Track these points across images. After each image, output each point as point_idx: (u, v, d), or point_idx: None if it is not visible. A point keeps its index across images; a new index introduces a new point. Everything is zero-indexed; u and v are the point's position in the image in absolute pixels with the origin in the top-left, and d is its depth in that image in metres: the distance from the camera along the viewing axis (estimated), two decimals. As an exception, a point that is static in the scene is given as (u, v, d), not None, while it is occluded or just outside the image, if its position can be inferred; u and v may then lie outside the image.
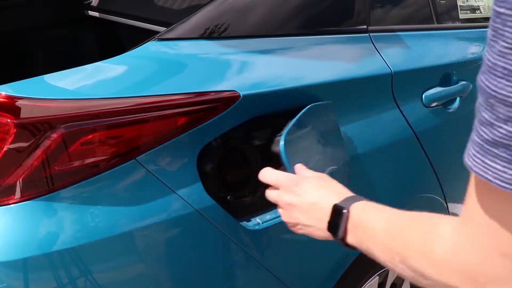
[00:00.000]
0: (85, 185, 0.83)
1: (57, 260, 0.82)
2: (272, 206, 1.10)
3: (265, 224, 1.05)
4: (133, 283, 0.90)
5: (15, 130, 0.79)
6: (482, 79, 0.39)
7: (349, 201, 0.70)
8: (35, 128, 0.80)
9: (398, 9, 1.49)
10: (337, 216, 0.69)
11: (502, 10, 0.36)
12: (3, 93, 0.79)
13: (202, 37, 1.05)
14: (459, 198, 1.80)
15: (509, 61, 0.36)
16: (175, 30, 1.05)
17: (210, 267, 0.99)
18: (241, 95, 0.96)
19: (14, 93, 0.80)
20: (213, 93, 0.94)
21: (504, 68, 0.36)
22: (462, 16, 1.74)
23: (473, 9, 1.81)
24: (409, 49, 1.36)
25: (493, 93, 0.37)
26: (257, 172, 1.09)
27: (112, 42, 2.31)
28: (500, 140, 0.37)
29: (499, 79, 0.37)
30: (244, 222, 1.03)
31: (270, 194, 0.85)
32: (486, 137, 0.38)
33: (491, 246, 0.43)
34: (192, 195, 0.93)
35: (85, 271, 0.84)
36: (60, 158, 0.81)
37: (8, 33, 2.13)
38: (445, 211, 1.59)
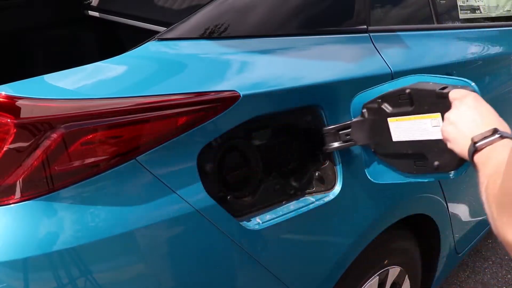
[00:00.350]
0: (85, 185, 0.83)
1: (57, 260, 0.82)
2: (272, 206, 1.11)
3: (265, 224, 1.05)
4: (133, 283, 0.90)
5: (15, 130, 0.79)
6: None
7: (505, 133, 0.74)
8: (35, 128, 0.80)
9: (398, 9, 1.49)
10: (488, 136, 0.74)
11: None
12: (3, 93, 0.79)
13: (202, 37, 1.05)
14: (459, 198, 1.81)
15: None
16: (175, 30, 1.05)
17: (210, 267, 0.99)
18: (241, 95, 0.96)
19: (14, 93, 0.80)
20: (213, 93, 0.94)
21: None
22: (462, 16, 1.74)
23: (473, 9, 1.81)
24: (409, 49, 1.36)
25: None
26: (257, 172, 1.09)
27: (112, 42, 2.31)
28: None
29: None
30: (244, 222, 1.03)
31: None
32: None
33: None
34: (192, 195, 0.93)
35: (85, 271, 0.84)
36: (60, 158, 0.81)
37: (8, 33, 2.13)
38: (445, 211, 1.60)
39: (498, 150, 0.73)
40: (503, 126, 0.77)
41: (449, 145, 0.84)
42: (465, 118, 0.81)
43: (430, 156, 0.93)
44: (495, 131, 0.75)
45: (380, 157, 1.05)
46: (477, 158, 0.76)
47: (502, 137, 0.74)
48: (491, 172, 0.71)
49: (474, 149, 0.76)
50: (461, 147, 0.80)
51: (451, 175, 0.92)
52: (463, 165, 0.89)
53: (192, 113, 0.91)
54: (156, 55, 1.00)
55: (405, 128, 0.96)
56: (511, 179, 0.62)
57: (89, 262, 0.84)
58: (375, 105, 1.02)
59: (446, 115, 0.85)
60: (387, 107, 1.00)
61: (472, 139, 0.77)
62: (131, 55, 0.98)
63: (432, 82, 0.92)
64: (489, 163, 0.73)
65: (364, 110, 1.05)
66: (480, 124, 0.78)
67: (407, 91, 0.94)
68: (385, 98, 1.00)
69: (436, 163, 0.92)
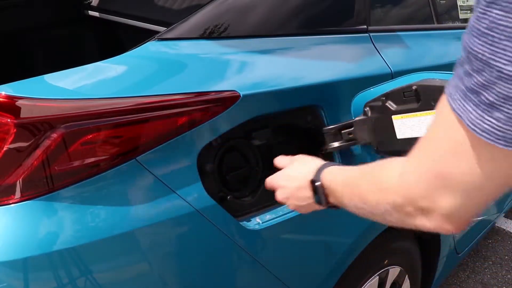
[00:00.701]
0: (85, 185, 0.83)
1: (57, 260, 0.82)
2: (272, 206, 1.10)
3: (265, 224, 1.05)
4: (133, 283, 0.90)
5: (15, 130, 0.79)
6: (464, 37, 0.47)
7: (319, 172, 0.81)
8: (35, 128, 0.80)
9: (398, 9, 1.49)
10: (316, 191, 0.81)
11: None
12: (3, 93, 0.79)
13: (202, 37, 1.05)
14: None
15: (482, 24, 0.44)
16: (175, 30, 1.05)
17: (210, 267, 0.99)
18: (241, 95, 0.96)
19: (14, 93, 0.80)
20: (213, 93, 0.94)
21: (478, 30, 0.44)
22: (462, 16, 1.74)
23: (473, 9, 1.80)
24: (409, 49, 1.36)
25: (469, 49, 0.46)
26: (257, 172, 1.09)
27: (112, 42, 2.31)
28: (473, 87, 0.46)
29: (474, 38, 0.45)
30: (244, 222, 1.03)
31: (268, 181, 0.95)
32: (465, 84, 0.47)
33: (427, 168, 0.54)
34: (192, 195, 0.93)
35: (85, 271, 0.84)
36: (60, 158, 0.81)
37: (8, 33, 2.13)
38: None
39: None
40: None
41: None
42: None
43: None
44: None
45: (383, 155, 1.06)
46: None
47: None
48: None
49: None
50: None
51: None
52: None
53: (192, 113, 0.91)
54: (156, 55, 1.00)
55: (410, 125, 0.96)
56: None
57: (89, 262, 0.84)
58: (379, 103, 1.02)
59: None
60: (391, 105, 1.00)
61: None
62: (131, 55, 0.98)
63: (438, 78, 0.93)
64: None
65: (367, 109, 1.05)
66: None
67: (414, 87, 0.94)
68: (389, 95, 1.00)
69: None
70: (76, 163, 0.82)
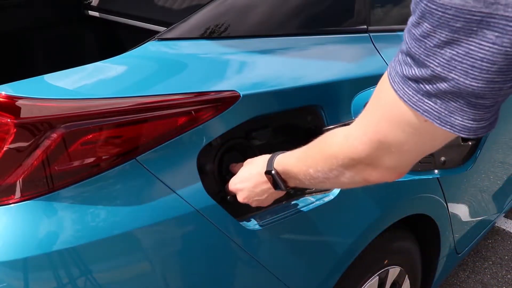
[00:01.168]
0: (85, 185, 0.83)
1: (57, 260, 0.82)
2: (272, 206, 1.10)
3: (265, 224, 1.05)
4: (133, 283, 0.90)
5: (15, 130, 0.79)
6: (405, 33, 0.57)
7: (270, 162, 0.90)
8: (35, 128, 0.80)
9: (398, 9, 1.49)
10: (274, 179, 0.89)
11: None
12: (3, 93, 0.79)
13: (202, 37, 1.05)
14: (459, 198, 1.81)
15: (417, 31, 0.53)
16: (175, 30, 1.05)
17: (210, 267, 0.99)
18: (241, 95, 0.96)
19: (14, 93, 0.80)
20: (213, 93, 0.94)
21: (414, 35, 0.54)
22: (462, 16, 1.73)
23: (473, 9, 1.80)
24: (409, 49, 1.36)
25: (409, 48, 0.56)
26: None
27: (112, 42, 2.31)
28: (412, 77, 0.56)
29: (412, 40, 0.55)
30: (244, 222, 1.03)
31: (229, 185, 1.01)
32: (405, 73, 0.57)
33: (372, 133, 0.65)
34: (192, 195, 0.93)
35: (85, 271, 0.84)
36: (60, 158, 0.81)
37: (8, 33, 2.13)
38: (445, 211, 1.59)
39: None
40: None
41: None
42: None
43: (437, 152, 0.93)
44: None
45: None
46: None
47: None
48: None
49: None
50: None
51: (457, 170, 0.93)
52: (470, 159, 0.90)
53: (192, 113, 0.91)
54: (156, 55, 1.00)
55: None
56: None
57: (89, 262, 0.84)
58: None
59: None
60: None
61: None
62: (131, 55, 0.98)
63: None
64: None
65: None
66: None
67: None
68: None
69: (442, 158, 0.92)
70: (76, 163, 0.82)
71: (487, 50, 0.48)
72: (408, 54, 0.56)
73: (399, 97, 0.58)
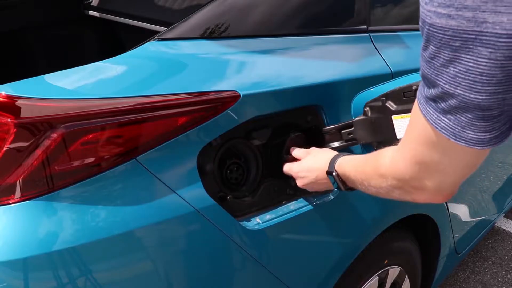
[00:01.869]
0: (85, 185, 0.83)
1: (57, 260, 0.82)
2: (272, 206, 1.11)
3: (265, 224, 1.05)
4: (132, 282, 0.90)
5: (15, 129, 0.79)
6: (420, 60, 0.60)
7: (332, 163, 0.97)
8: (35, 128, 0.80)
9: (398, 9, 1.49)
10: (334, 180, 0.97)
11: None
12: (3, 92, 0.79)
13: (202, 37, 1.05)
14: (459, 198, 1.81)
15: (425, 53, 0.58)
16: (175, 29, 1.05)
17: (210, 267, 0.99)
18: (241, 95, 0.96)
19: (14, 92, 0.80)
20: (213, 93, 0.94)
21: (424, 57, 0.58)
22: (462, 16, 1.73)
23: (473, 9, 1.80)
24: (409, 49, 1.36)
25: (422, 69, 0.60)
26: (257, 172, 1.09)
27: (112, 42, 2.31)
28: (430, 97, 0.60)
29: (423, 62, 0.59)
30: (244, 222, 1.03)
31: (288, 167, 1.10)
32: (425, 93, 0.61)
33: (411, 156, 0.69)
34: (192, 195, 0.93)
35: (85, 271, 0.84)
36: (60, 157, 0.81)
37: (8, 33, 2.13)
38: (445, 211, 1.60)
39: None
40: None
41: None
42: None
43: None
44: None
45: None
46: None
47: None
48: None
49: None
50: None
51: None
52: None
53: (192, 113, 0.91)
54: (156, 55, 1.00)
55: None
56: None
57: (89, 262, 0.84)
58: (379, 103, 1.02)
59: None
60: (391, 105, 1.00)
61: None
62: (131, 55, 0.98)
63: None
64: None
65: (367, 109, 1.05)
66: None
67: (414, 87, 0.94)
68: (389, 96, 1.00)
69: None
70: (76, 163, 0.82)
71: (485, 65, 0.51)
72: (423, 76, 0.60)
73: (424, 116, 0.62)
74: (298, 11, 1.18)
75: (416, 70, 1.16)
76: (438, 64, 0.55)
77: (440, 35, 0.53)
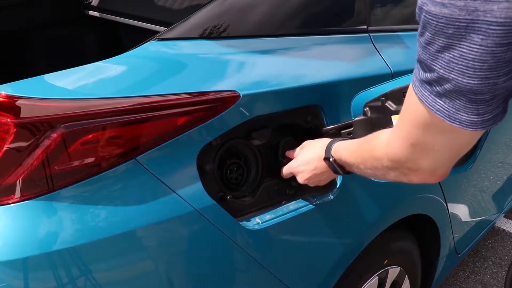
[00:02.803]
0: (85, 184, 0.83)
1: (57, 260, 0.82)
2: (272, 206, 1.11)
3: (265, 224, 1.05)
4: (132, 282, 0.90)
5: (15, 129, 0.79)
6: (417, 45, 0.61)
7: (329, 149, 0.98)
8: (35, 128, 0.80)
9: (398, 9, 1.49)
10: (332, 165, 0.97)
11: None
12: (3, 92, 0.79)
13: (202, 37, 1.05)
14: (459, 198, 1.80)
15: (421, 39, 0.59)
16: (175, 29, 1.05)
17: (210, 267, 0.99)
18: (241, 95, 0.96)
19: (14, 92, 0.80)
20: (213, 93, 0.94)
21: (420, 42, 0.59)
22: (462, 16, 1.73)
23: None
24: (409, 49, 1.36)
25: (418, 54, 0.61)
26: (257, 172, 1.09)
27: (112, 42, 2.31)
28: (426, 80, 0.61)
29: (419, 48, 0.60)
30: (244, 222, 1.03)
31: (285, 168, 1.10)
32: (421, 77, 0.62)
33: (406, 138, 0.71)
34: (192, 195, 0.93)
35: (84, 271, 0.84)
36: (60, 157, 0.81)
37: (8, 33, 2.13)
38: (445, 211, 1.60)
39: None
40: None
41: None
42: None
43: None
44: None
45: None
46: None
47: None
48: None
49: None
50: None
51: (457, 170, 0.94)
52: (469, 159, 0.91)
53: (192, 113, 0.91)
54: (156, 55, 1.00)
55: None
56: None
57: (89, 262, 0.84)
58: (379, 103, 1.02)
59: None
60: (391, 105, 1.00)
61: None
62: (131, 55, 0.98)
63: None
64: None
65: (367, 109, 1.05)
66: None
67: None
68: (388, 96, 1.00)
69: None
70: (76, 163, 0.82)
71: (476, 51, 0.54)
72: (419, 60, 0.62)
73: (418, 99, 0.64)
74: (298, 11, 1.18)
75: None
76: (434, 50, 0.57)
77: (435, 22, 0.55)
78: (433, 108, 0.62)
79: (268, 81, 1.05)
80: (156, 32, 1.12)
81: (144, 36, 1.12)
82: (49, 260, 0.81)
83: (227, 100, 0.94)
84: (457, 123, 0.61)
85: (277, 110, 1.06)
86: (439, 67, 0.58)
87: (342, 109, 1.15)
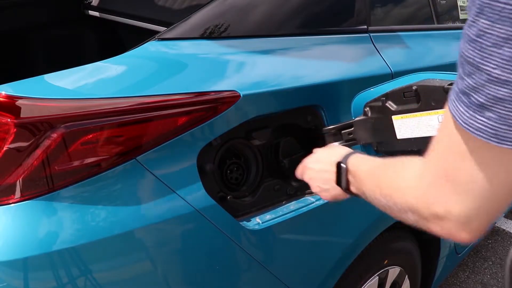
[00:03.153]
0: (85, 184, 0.83)
1: (57, 260, 0.82)
2: (272, 206, 1.11)
3: (265, 224, 1.05)
4: (132, 282, 0.90)
5: (15, 129, 0.79)
6: (460, 44, 0.50)
7: (346, 157, 0.85)
8: (35, 128, 0.80)
9: (398, 9, 1.49)
10: (339, 171, 0.84)
11: None
12: (3, 92, 0.79)
13: (202, 37, 1.05)
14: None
15: (471, 31, 0.47)
16: (175, 29, 1.05)
17: (209, 267, 0.99)
18: (241, 95, 0.96)
19: (14, 92, 0.80)
20: (213, 93, 0.94)
21: (469, 36, 0.48)
22: (462, 16, 1.74)
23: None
24: (409, 49, 1.36)
25: (462, 54, 0.49)
26: (257, 172, 1.09)
27: (112, 42, 2.31)
28: (464, 89, 0.49)
29: (465, 44, 0.48)
30: (244, 222, 1.03)
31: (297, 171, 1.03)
32: (458, 87, 0.50)
33: (436, 170, 0.55)
34: (192, 195, 0.93)
35: (84, 271, 0.84)
36: (60, 157, 0.81)
37: (8, 33, 2.13)
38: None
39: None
40: None
41: None
42: None
43: None
44: None
45: (383, 155, 1.06)
46: None
47: None
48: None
49: None
50: None
51: None
52: None
53: (192, 113, 0.91)
54: (156, 55, 1.00)
55: (410, 125, 0.97)
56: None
57: (89, 262, 0.84)
58: (379, 103, 1.02)
59: None
60: (391, 105, 1.00)
61: None
62: (131, 55, 0.98)
63: (438, 78, 0.93)
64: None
65: (367, 109, 1.05)
66: None
67: (414, 87, 0.94)
68: (389, 96, 1.00)
69: None
70: (76, 163, 0.82)
71: None
72: (462, 62, 0.49)
73: (452, 116, 0.51)
74: (298, 11, 1.18)
75: (416, 70, 1.17)
76: (489, 43, 0.45)
77: (501, 5, 0.43)
78: (469, 127, 0.48)
79: (268, 81, 1.05)
80: (156, 32, 1.12)
81: (144, 36, 1.12)
82: (49, 260, 0.81)
83: (227, 100, 0.94)
84: (508, 143, 0.46)
85: (277, 110, 1.06)
86: (493, 66, 0.45)
87: (342, 109, 1.15)
